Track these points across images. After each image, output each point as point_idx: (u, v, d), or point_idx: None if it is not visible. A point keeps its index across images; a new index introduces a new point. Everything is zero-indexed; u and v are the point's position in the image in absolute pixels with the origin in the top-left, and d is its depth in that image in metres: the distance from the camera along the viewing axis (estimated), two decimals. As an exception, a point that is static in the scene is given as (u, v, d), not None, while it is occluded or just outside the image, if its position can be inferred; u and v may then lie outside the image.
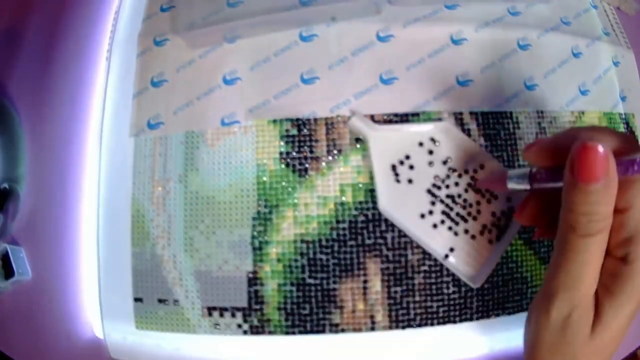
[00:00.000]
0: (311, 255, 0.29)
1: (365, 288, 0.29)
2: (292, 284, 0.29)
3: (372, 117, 0.31)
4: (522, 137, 0.31)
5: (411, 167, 0.29)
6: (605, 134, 0.19)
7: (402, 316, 0.29)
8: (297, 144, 0.31)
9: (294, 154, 0.30)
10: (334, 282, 0.29)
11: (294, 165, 0.30)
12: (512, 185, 0.23)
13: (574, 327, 0.20)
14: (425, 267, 0.29)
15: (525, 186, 0.22)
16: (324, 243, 0.29)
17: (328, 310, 0.29)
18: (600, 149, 0.18)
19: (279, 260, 0.29)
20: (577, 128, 0.20)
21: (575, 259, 0.19)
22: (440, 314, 0.29)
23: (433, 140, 0.29)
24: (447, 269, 0.29)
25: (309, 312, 0.29)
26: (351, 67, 0.32)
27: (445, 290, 0.29)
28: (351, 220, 0.30)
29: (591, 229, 0.18)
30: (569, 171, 0.18)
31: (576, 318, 0.20)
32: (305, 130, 0.31)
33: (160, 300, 0.30)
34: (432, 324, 0.29)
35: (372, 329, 0.29)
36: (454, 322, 0.29)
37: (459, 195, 0.29)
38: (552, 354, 0.21)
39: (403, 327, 0.29)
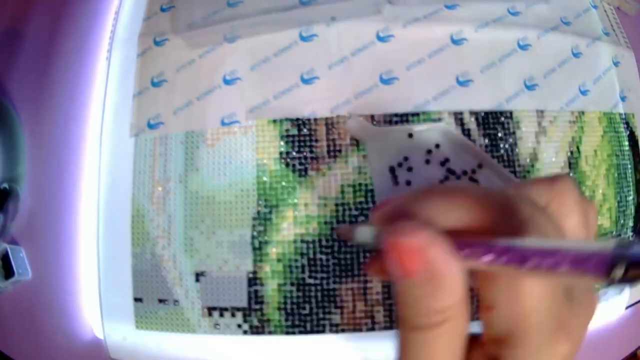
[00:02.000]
0: (311, 255, 0.29)
1: (365, 288, 0.29)
2: (292, 284, 0.29)
3: (372, 117, 0.31)
4: (522, 137, 0.31)
5: (409, 168, 0.29)
6: (458, 201, 0.15)
7: (402, 316, 0.29)
8: (297, 144, 0.31)
9: (294, 154, 0.30)
10: (334, 282, 0.29)
11: (294, 165, 0.30)
12: (357, 241, 0.21)
13: None
14: (425, 267, 0.29)
15: (370, 244, 0.20)
16: (324, 243, 0.29)
17: (328, 310, 0.29)
18: (413, 242, 0.14)
19: (279, 260, 0.29)
20: (426, 191, 0.16)
21: (410, 355, 0.16)
22: (440, 314, 0.29)
23: (436, 145, 0.29)
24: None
25: (309, 312, 0.29)
26: (351, 67, 0.32)
27: (445, 290, 0.29)
28: (351, 220, 0.30)
29: (419, 323, 0.15)
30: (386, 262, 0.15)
31: None
32: (305, 130, 0.31)
33: (160, 300, 0.30)
34: (432, 324, 0.29)
35: (372, 329, 0.29)
36: (454, 322, 0.29)
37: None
38: None
39: (403, 327, 0.29)
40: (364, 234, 0.20)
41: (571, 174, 0.32)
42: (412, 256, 0.14)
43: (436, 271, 0.14)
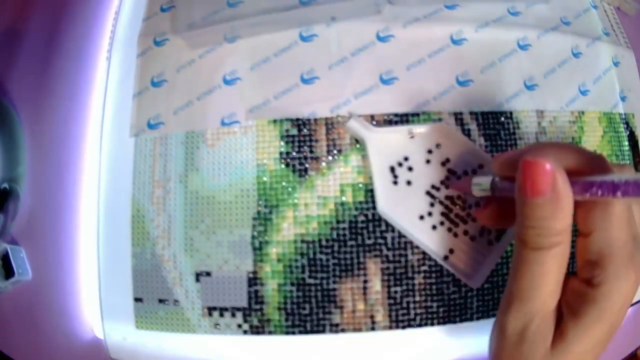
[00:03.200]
0: (311, 255, 0.29)
1: (365, 288, 0.29)
2: (292, 284, 0.29)
3: (372, 117, 0.31)
4: (522, 137, 0.31)
5: (410, 168, 0.29)
6: (565, 151, 0.19)
7: (402, 316, 0.29)
8: (297, 144, 0.31)
9: (294, 154, 0.30)
10: (334, 282, 0.29)
11: (294, 165, 0.30)
12: (476, 191, 0.24)
13: (530, 342, 0.19)
14: (426, 267, 0.29)
15: (487, 193, 0.23)
16: (324, 243, 0.29)
17: (328, 310, 0.29)
18: (546, 164, 0.17)
19: (279, 260, 0.29)
20: (540, 143, 0.21)
21: (527, 271, 0.19)
22: (441, 314, 0.29)
23: (437, 144, 0.29)
24: (448, 269, 0.29)
25: (309, 312, 0.29)
26: (351, 67, 0.32)
27: (445, 290, 0.29)
28: (351, 220, 0.30)
29: (541, 242, 0.18)
30: (517, 185, 0.19)
31: (532, 332, 0.19)
32: (305, 130, 0.31)
33: (160, 300, 0.30)
34: (432, 324, 0.29)
35: (372, 329, 0.29)
36: (454, 322, 0.29)
37: (458, 197, 0.29)
38: None
39: (403, 327, 0.29)
40: (482, 182, 0.23)
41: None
42: (544, 177, 0.17)
43: (559, 194, 0.17)
